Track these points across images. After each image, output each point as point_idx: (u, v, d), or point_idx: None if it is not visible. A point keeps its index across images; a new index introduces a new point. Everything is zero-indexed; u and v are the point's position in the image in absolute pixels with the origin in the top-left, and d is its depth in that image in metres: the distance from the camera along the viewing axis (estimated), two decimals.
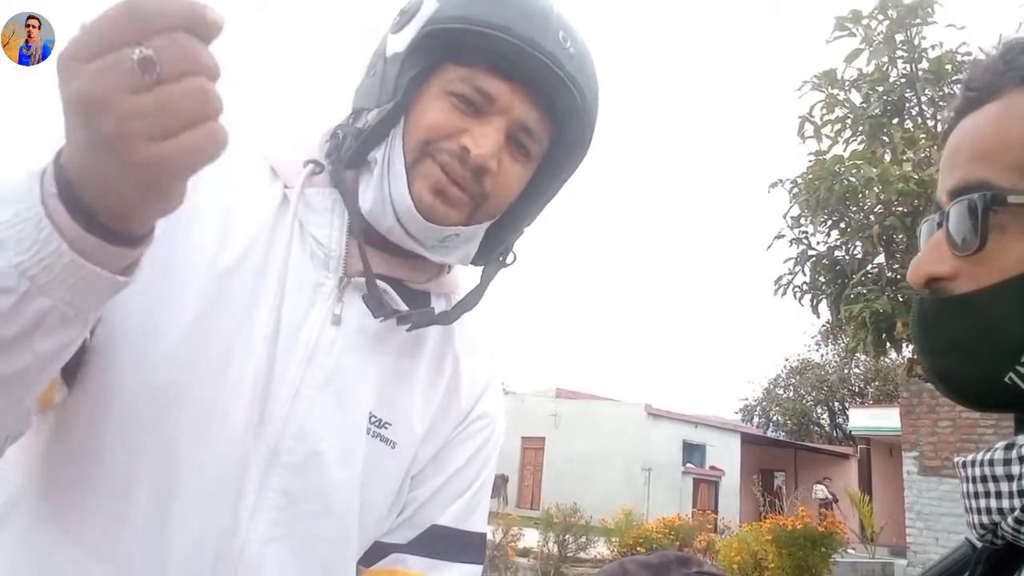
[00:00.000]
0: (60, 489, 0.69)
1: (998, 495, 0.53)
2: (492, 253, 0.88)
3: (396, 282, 0.83)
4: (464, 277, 0.93)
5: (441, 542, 0.86)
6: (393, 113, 0.77)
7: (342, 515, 0.78)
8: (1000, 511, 0.53)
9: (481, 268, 0.89)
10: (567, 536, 13.36)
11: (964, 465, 0.57)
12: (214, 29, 0.47)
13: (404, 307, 0.82)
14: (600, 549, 13.57)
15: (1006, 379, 0.52)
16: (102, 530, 0.68)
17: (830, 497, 18.19)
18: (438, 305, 0.90)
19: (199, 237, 0.74)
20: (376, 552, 0.85)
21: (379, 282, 0.80)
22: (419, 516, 0.87)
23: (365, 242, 0.79)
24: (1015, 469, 0.52)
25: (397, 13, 0.81)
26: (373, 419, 0.81)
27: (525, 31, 0.74)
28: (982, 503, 0.54)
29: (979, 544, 0.57)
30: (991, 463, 0.54)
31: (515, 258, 0.90)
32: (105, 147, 0.45)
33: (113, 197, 0.49)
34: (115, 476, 0.68)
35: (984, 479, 0.54)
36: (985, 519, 0.54)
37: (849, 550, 13.20)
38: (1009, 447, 0.53)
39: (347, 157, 0.79)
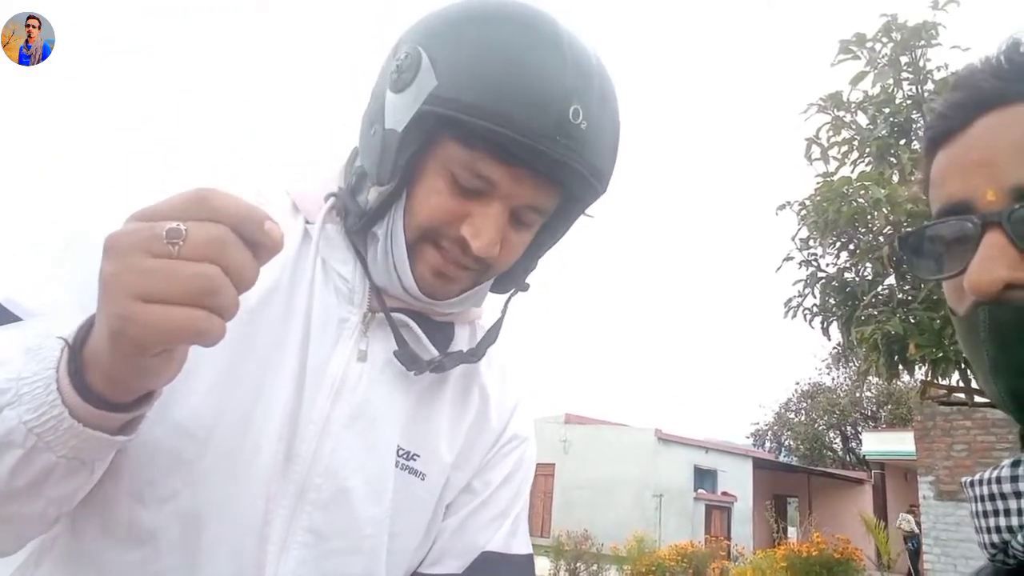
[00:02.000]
0: (91, 532, 0.69)
1: (1007, 513, 0.52)
2: (507, 287, 0.88)
3: (419, 315, 0.82)
4: (487, 302, 0.92)
5: (493, 569, 0.85)
6: (394, 193, 0.75)
7: (370, 551, 0.77)
8: (1010, 529, 0.51)
9: (500, 296, 0.89)
10: (578, 564, 13.22)
11: (972, 484, 0.56)
12: (265, 238, 0.50)
13: (429, 345, 0.82)
14: None
15: None
16: (134, 574, 0.68)
17: (916, 530, 15.56)
18: (462, 333, 0.90)
19: None
20: None
21: (402, 316, 0.80)
22: (461, 543, 0.85)
23: None
24: (1023, 486, 0.51)
25: (394, 69, 0.74)
26: (401, 452, 0.80)
27: (530, 121, 0.67)
28: (991, 522, 0.53)
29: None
30: (999, 481, 0.53)
31: (528, 286, 0.89)
32: (101, 290, 0.49)
33: (103, 352, 0.51)
34: (145, 518, 0.68)
35: (992, 497, 0.53)
36: (995, 538, 0.52)
37: None
38: (1016, 464, 0.52)
39: (353, 230, 0.79)
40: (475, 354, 0.85)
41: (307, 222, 0.81)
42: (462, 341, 0.89)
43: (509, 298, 0.89)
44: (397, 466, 0.79)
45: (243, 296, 0.74)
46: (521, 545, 0.89)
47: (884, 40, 6.76)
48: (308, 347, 0.75)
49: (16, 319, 0.64)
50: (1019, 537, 0.50)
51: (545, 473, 23.66)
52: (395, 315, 0.79)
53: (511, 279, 0.87)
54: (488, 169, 0.71)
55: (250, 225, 0.49)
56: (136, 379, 0.53)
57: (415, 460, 0.81)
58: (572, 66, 0.70)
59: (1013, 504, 0.51)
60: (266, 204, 0.81)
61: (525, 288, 0.89)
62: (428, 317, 0.84)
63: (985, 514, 0.53)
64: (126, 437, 0.57)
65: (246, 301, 0.74)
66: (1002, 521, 0.52)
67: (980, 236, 0.51)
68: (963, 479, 0.58)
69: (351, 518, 0.75)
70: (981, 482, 0.54)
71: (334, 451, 0.75)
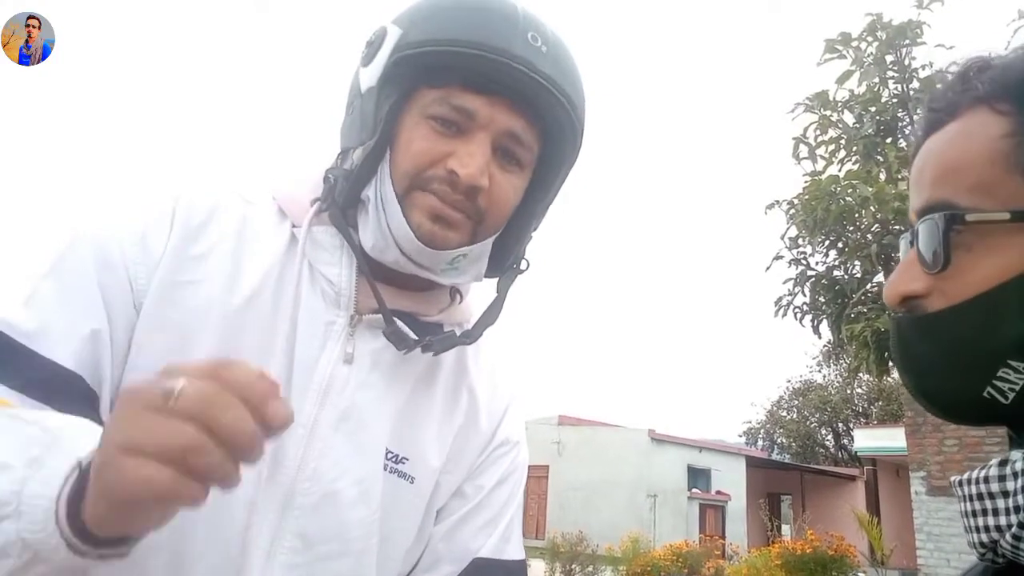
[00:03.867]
0: None
1: (995, 512, 0.53)
2: (504, 263, 0.87)
3: (408, 316, 0.82)
4: (477, 304, 0.92)
5: (486, 574, 0.85)
6: (376, 149, 0.77)
7: (359, 555, 0.77)
8: (998, 528, 0.52)
9: (496, 280, 0.88)
10: (574, 565, 13.23)
11: (960, 484, 0.57)
12: (269, 411, 0.47)
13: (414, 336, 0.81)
14: None
15: (984, 394, 0.52)
16: None
17: None
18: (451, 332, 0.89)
19: (207, 289, 0.75)
20: None
21: (391, 316, 0.79)
22: (454, 548, 0.85)
23: (374, 278, 0.79)
24: (1010, 485, 0.52)
25: (364, 45, 0.80)
26: (390, 455, 0.80)
27: (493, 41, 0.73)
28: (979, 521, 0.54)
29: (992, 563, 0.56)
30: (986, 480, 0.54)
31: (528, 264, 0.89)
32: (101, 435, 0.49)
33: (92, 488, 0.50)
34: None
35: (980, 497, 0.54)
36: (984, 537, 0.53)
37: (860, 574, 13.03)
38: (1003, 463, 0.53)
39: (341, 199, 0.79)
40: (470, 335, 0.84)
41: (294, 226, 0.81)
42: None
43: (507, 281, 0.87)
44: (386, 469, 0.79)
45: (228, 300, 0.75)
46: (514, 551, 0.89)
47: (869, 39, 6.81)
48: (294, 350, 0.76)
49: (13, 343, 0.65)
50: (1007, 536, 0.51)
51: (539, 475, 23.66)
52: (384, 313, 0.79)
53: (510, 247, 0.86)
54: (462, 99, 0.75)
55: (251, 396, 0.47)
56: (109, 525, 0.51)
57: (404, 463, 0.81)
58: (523, 12, 0.77)
59: (1001, 503, 0.52)
60: (252, 209, 0.82)
61: (524, 269, 0.88)
62: (417, 318, 0.84)
63: (974, 513, 0.54)
64: (119, 559, 0.56)
65: (231, 305, 0.75)
66: (990, 520, 0.53)
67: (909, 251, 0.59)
68: (952, 478, 0.59)
69: (339, 522, 0.75)
70: (969, 482, 0.56)
71: (322, 455, 0.75)
